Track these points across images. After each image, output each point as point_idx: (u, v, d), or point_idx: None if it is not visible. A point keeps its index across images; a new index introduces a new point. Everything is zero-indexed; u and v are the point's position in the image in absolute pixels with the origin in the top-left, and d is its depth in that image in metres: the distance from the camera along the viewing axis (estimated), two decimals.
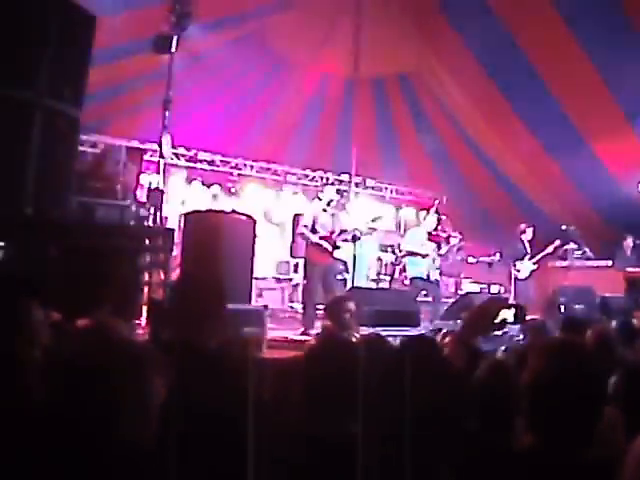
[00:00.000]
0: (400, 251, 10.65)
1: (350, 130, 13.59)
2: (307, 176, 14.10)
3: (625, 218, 12.04)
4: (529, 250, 11.10)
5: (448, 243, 9.92)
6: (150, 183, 7.24)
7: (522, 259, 10.94)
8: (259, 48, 12.22)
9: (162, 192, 5.43)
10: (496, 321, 2.50)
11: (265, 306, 5.42)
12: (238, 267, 5.80)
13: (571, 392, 1.79)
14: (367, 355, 2.00)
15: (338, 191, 8.22)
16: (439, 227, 9.78)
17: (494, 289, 11.69)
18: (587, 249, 11.14)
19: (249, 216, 6.68)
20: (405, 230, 13.53)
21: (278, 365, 3.30)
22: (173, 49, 6.36)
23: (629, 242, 11.09)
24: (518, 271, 10.92)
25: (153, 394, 1.65)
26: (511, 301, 9.03)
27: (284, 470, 1.94)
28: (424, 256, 9.31)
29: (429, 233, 9.56)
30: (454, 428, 2.00)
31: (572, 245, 11.69)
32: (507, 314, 2.45)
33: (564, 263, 11.44)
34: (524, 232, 11.20)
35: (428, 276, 9.26)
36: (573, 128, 12.00)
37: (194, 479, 1.85)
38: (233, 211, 7.35)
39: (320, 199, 8.20)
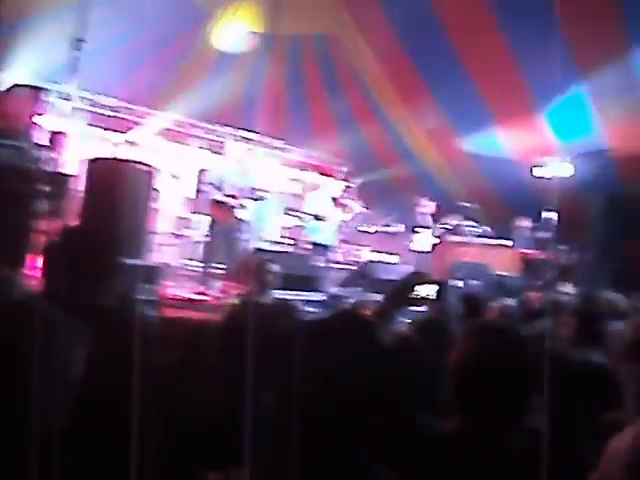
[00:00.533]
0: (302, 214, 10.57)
1: (261, 88, 13.33)
2: (214, 131, 13.66)
3: (523, 201, 12.42)
4: (430, 223, 11.28)
5: (352, 210, 9.85)
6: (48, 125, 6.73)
7: (419, 231, 11.09)
8: None
9: (63, 135, 5.03)
10: (417, 296, 2.38)
11: (165, 262, 5.16)
12: (137, 220, 5.48)
13: (501, 375, 1.72)
14: (291, 323, 1.86)
15: (248, 150, 7.95)
16: (345, 194, 9.71)
17: (393, 259, 11.79)
18: (487, 227, 11.40)
19: (150, 166, 6.31)
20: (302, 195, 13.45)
21: (185, 327, 3.11)
22: None
23: (526, 224, 11.44)
24: (411, 242, 11.07)
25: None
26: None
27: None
28: (326, 220, 9.25)
29: (334, 199, 9.48)
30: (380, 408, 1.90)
31: (470, 222, 11.95)
32: (429, 290, 2.36)
33: (462, 239, 11.66)
34: (425, 205, 11.36)
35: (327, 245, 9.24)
36: (482, 107, 12.18)
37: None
38: (135, 161, 6.95)
39: (227, 155, 7.94)
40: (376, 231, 11.90)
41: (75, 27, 5.44)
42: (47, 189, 4.37)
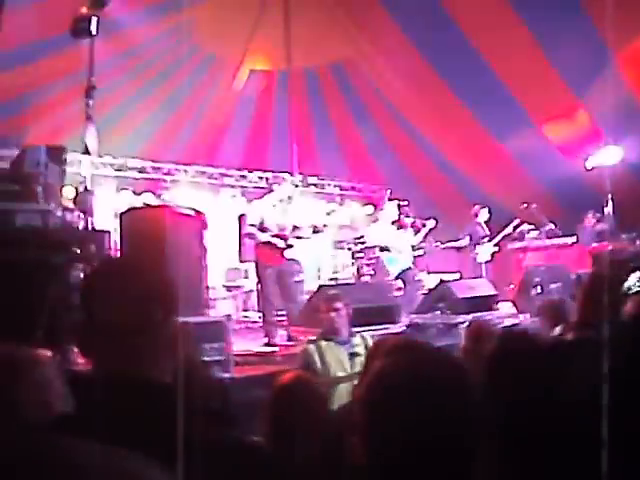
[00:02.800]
0: (363, 244, 10.02)
1: (286, 126, 12.97)
2: (245, 177, 13.26)
3: (579, 194, 11.77)
4: (487, 232, 10.68)
5: (423, 227, 9.24)
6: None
7: (481, 242, 10.50)
8: (184, 44, 11.37)
9: (91, 193, 4.55)
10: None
11: (228, 315, 4.60)
12: (188, 271, 4.93)
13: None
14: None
15: (295, 185, 7.45)
16: (401, 215, 9.13)
17: (455, 276, 11.14)
18: (551, 225, 10.73)
19: (197, 210, 5.74)
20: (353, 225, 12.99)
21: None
22: (93, 31, 5.49)
23: (590, 218, 10.77)
24: (477, 254, 10.48)
25: None
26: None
27: None
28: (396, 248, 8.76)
29: (394, 222, 8.96)
30: None
31: (527, 225, 11.33)
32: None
33: (523, 244, 11.02)
34: (478, 214, 10.79)
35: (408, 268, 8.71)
36: (517, 107, 11.60)
37: None
38: (178, 206, 6.44)
39: (270, 192, 7.43)
40: (444, 248, 11.33)
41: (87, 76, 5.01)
42: (81, 252, 3.84)
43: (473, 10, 10.43)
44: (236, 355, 5.29)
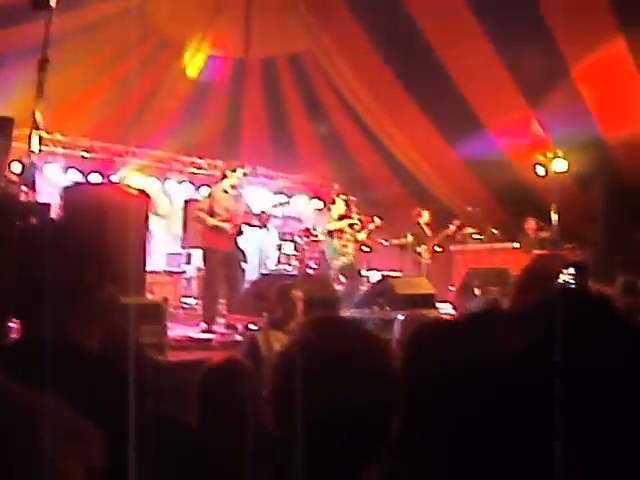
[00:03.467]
0: (308, 237, 10.01)
1: (239, 116, 12.90)
2: (194, 163, 13.13)
3: (524, 201, 12.02)
4: (428, 233, 10.82)
5: (368, 224, 9.29)
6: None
7: (424, 242, 10.65)
8: (141, 26, 11.19)
9: (36, 166, 4.46)
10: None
11: (165, 298, 4.56)
12: (128, 250, 4.85)
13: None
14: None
15: (245, 174, 7.41)
16: (349, 211, 9.18)
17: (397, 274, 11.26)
18: (494, 230, 10.93)
19: (142, 191, 5.63)
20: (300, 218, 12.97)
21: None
22: (53, 3, 5.40)
23: (532, 224, 10.98)
24: (419, 254, 10.61)
25: None
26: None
27: None
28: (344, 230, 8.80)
29: (342, 216, 9.00)
30: None
31: (470, 229, 11.52)
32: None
33: (465, 246, 11.20)
34: (420, 215, 10.92)
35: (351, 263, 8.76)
36: (470, 111, 11.76)
37: None
38: (123, 185, 6.33)
39: (224, 177, 7.38)
40: (388, 245, 11.43)
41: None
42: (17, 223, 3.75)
43: (433, 11, 10.52)
44: (173, 340, 5.26)
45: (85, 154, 11.52)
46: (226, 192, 7.28)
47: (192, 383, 2.66)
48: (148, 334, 4.38)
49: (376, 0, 10.43)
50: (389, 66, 11.75)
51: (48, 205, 4.20)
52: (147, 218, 5.32)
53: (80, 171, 11.28)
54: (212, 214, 7.08)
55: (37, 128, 4.80)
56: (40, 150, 4.99)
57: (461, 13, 10.19)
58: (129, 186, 6.24)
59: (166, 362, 4.26)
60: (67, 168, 11.22)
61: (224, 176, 7.42)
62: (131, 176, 12.09)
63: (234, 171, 7.41)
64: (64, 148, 11.17)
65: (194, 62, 12.42)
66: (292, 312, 4.46)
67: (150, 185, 12.59)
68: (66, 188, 4.95)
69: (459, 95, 11.48)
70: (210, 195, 7.31)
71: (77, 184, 5.31)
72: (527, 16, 9.81)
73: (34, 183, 4.56)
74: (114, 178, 11.63)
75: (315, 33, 12.26)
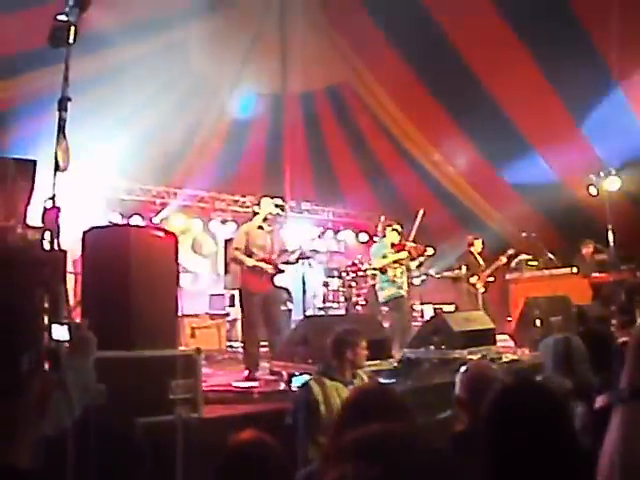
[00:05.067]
0: (355, 272, 9.62)
1: (280, 151, 12.66)
2: (237, 202, 12.91)
3: (578, 223, 11.45)
4: (481, 262, 10.30)
5: (424, 253, 8.78)
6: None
7: (477, 272, 10.13)
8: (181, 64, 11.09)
9: (59, 210, 4.18)
10: None
11: (198, 349, 4.20)
12: (157, 299, 4.52)
13: None
14: None
15: (277, 205, 7.03)
16: (403, 240, 8.71)
17: (450, 308, 10.74)
18: (550, 255, 10.35)
19: (168, 232, 5.27)
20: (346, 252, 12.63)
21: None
22: (71, 40, 5.15)
23: (590, 247, 10.40)
24: (473, 285, 10.09)
25: None
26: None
27: None
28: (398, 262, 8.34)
29: (393, 244, 8.55)
30: None
31: (524, 256, 10.98)
32: None
33: (521, 274, 10.63)
34: (472, 244, 10.43)
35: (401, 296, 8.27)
36: (516, 134, 11.30)
37: None
38: (150, 227, 6.03)
39: (255, 214, 7.04)
40: (439, 277, 10.95)
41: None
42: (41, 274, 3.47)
43: (472, 35, 10.17)
44: (210, 391, 4.89)
45: (125, 197, 11.37)
46: (261, 228, 6.93)
47: (222, 445, 2.29)
48: (180, 389, 4.02)
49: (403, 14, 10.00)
50: (430, 91, 11.42)
51: (64, 252, 3.92)
52: (176, 260, 4.97)
53: (121, 214, 11.11)
54: (249, 253, 6.74)
55: (57, 168, 4.56)
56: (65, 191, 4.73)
57: (501, 33, 9.83)
58: (158, 228, 5.93)
59: (197, 420, 3.88)
60: (108, 211, 11.03)
61: (255, 212, 7.09)
62: (174, 217, 11.94)
63: (258, 204, 7.09)
64: (103, 191, 11.02)
65: (232, 100, 12.25)
66: (352, 362, 4.10)
67: (193, 225, 12.44)
68: (86, 232, 4.66)
69: (506, 120, 11.08)
70: (244, 233, 6.94)
71: (96, 227, 5.00)
72: (570, 34, 9.41)
73: (57, 227, 4.30)
74: (156, 220, 11.47)
75: (350, 60, 12.04)
